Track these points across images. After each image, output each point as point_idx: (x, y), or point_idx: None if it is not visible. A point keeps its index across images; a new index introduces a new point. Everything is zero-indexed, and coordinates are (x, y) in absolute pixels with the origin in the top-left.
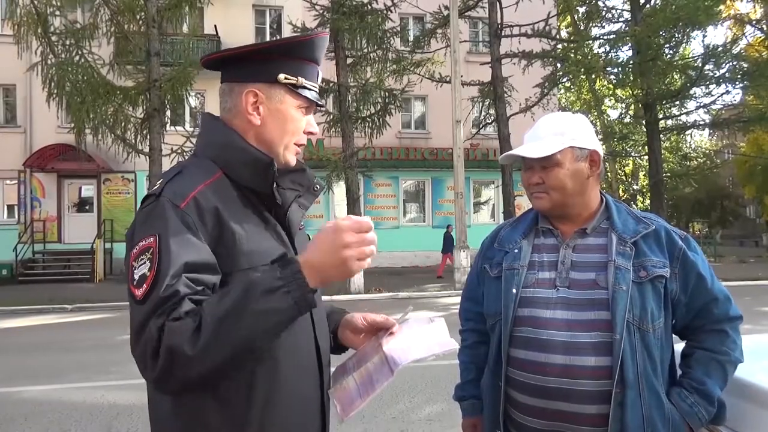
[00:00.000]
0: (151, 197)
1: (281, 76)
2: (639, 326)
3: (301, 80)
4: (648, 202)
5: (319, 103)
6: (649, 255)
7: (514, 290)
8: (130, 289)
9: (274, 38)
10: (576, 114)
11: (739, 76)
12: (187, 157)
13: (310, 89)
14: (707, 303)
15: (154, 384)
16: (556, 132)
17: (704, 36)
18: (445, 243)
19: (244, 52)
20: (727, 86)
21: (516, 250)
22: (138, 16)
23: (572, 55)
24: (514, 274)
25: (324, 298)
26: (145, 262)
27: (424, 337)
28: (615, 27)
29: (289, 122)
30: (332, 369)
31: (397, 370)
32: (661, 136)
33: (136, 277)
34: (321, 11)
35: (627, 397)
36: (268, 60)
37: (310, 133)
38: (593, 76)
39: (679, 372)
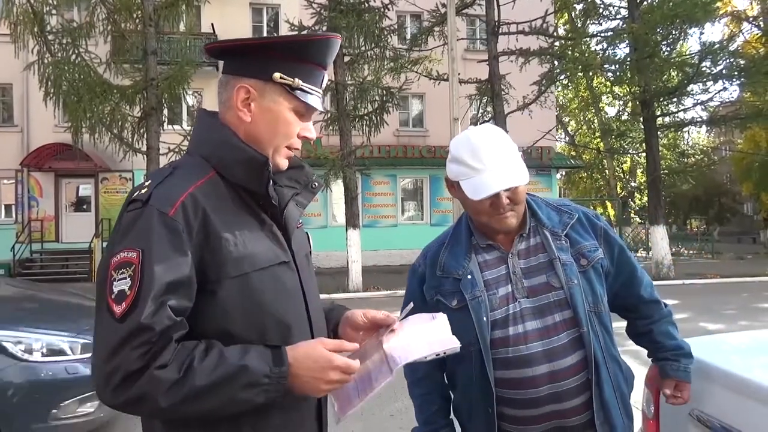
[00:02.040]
0: (138, 203)
1: (276, 75)
2: (595, 311)
3: (298, 82)
4: (645, 198)
5: (318, 108)
6: (582, 242)
7: (485, 318)
8: (107, 301)
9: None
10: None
11: (736, 73)
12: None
13: (309, 93)
14: (632, 271)
15: (106, 403)
16: (515, 151)
17: (701, 33)
18: None
19: (241, 45)
20: (724, 83)
21: (469, 276)
22: (135, 15)
23: (569, 53)
24: (480, 303)
25: (322, 296)
26: (125, 278)
27: (426, 335)
28: (612, 24)
29: (281, 124)
30: None
31: (396, 369)
32: (659, 133)
33: (115, 290)
34: (318, 9)
35: (600, 376)
36: (265, 56)
37: (306, 137)
38: (590, 74)
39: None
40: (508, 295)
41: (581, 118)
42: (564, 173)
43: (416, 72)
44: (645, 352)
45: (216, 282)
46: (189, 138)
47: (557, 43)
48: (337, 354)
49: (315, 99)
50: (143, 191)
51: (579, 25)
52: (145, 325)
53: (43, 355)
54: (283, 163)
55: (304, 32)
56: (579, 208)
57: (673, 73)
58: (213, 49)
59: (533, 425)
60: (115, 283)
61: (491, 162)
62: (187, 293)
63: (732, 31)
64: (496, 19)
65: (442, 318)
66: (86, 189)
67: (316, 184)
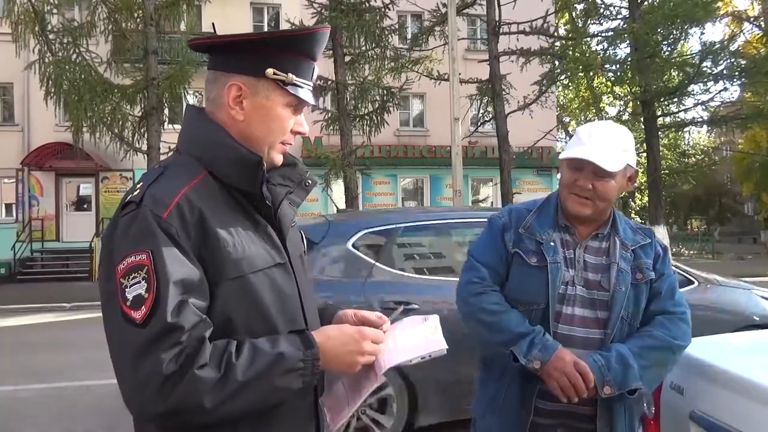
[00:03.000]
0: (132, 204)
1: (269, 71)
2: (630, 322)
3: (291, 77)
4: (646, 199)
5: (311, 102)
6: (644, 259)
7: (558, 282)
8: (121, 310)
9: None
10: (628, 130)
11: (736, 73)
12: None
13: (301, 87)
14: (664, 288)
15: (145, 415)
16: (623, 147)
17: (702, 33)
18: None
19: (231, 41)
20: (725, 83)
21: (552, 243)
22: (135, 14)
23: (570, 53)
24: (558, 268)
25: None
26: (139, 281)
27: (414, 337)
28: (613, 24)
29: (275, 120)
30: None
31: (381, 374)
32: (660, 133)
33: (130, 297)
34: (319, 9)
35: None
36: (257, 52)
37: (299, 132)
38: (591, 74)
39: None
40: (570, 277)
41: (582, 118)
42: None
43: (417, 72)
44: None
45: (215, 284)
46: (179, 136)
47: (558, 43)
48: (368, 332)
49: (307, 93)
50: (136, 193)
51: (580, 25)
52: (172, 324)
53: None
54: (279, 159)
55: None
56: (653, 234)
57: (673, 73)
58: (199, 45)
59: (552, 401)
60: (127, 289)
61: (596, 141)
62: (203, 292)
63: (733, 31)
64: (497, 19)
65: (434, 319)
66: (87, 188)
67: (310, 181)
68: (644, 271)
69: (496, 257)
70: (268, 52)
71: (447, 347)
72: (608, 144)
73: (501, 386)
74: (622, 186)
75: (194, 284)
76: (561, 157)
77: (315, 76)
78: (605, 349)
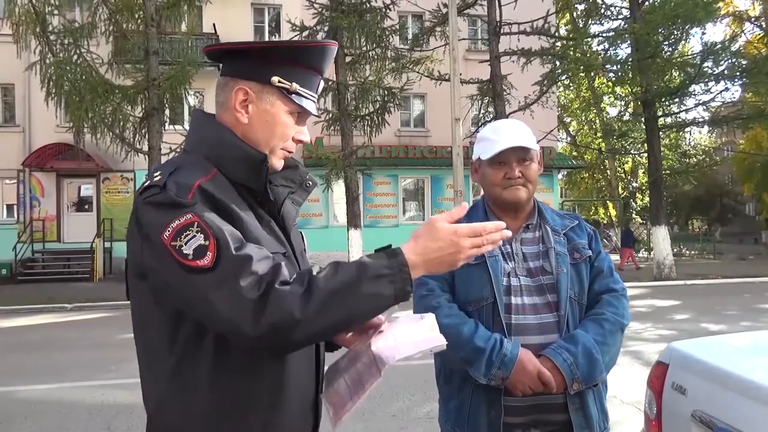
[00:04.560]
0: (155, 188)
1: (275, 79)
2: (579, 300)
3: (295, 86)
4: (647, 199)
5: (314, 113)
6: (577, 240)
7: (500, 275)
8: (185, 266)
9: (275, 38)
10: None
11: (737, 74)
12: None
13: (305, 97)
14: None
15: (252, 342)
16: (528, 135)
17: (703, 33)
18: (624, 238)
19: (241, 49)
20: (726, 83)
21: None
22: (136, 15)
23: (571, 53)
24: (497, 261)
25: None
26: (194, 236)
27: (412, 334)
28: (614, 24)
29: (277, 126)
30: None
31: (384, 369)
32: (661, 133)
33: (190, 251)
34: (320, 9)
35: None
36: (265, 60)
37: (300, 141)
38: (592, 74)
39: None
40: (511, 269)
41: (583, 118)
42: (565, 173)
43: (418, 72)
44: (645, 353)
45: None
46: (186, 138)
47: (559, 44)
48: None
49: (310, 103)
50: (157, 178)
51: (580, 26)
52: (242, 256)
53: None
54: (279, 164)
55: (305, 33)
56: (579, 217)
57: (674, 74)
58: (212, 52)
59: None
60: (183, 247)
61: (508, 133)
62: (247, 245)
63: (734, 31)
64: (498, 19)
65: (430, 318)
66: (88, 189)
67: (311, 183)
68: (581, 250)
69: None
70: (275, 60)
71: (447, 342)
72: (518, 131)
73: (465, 396)
74: (539, 170)
75: (240, 237)
76: (485, 158)
77: (320, 89)
78: (568, 339)
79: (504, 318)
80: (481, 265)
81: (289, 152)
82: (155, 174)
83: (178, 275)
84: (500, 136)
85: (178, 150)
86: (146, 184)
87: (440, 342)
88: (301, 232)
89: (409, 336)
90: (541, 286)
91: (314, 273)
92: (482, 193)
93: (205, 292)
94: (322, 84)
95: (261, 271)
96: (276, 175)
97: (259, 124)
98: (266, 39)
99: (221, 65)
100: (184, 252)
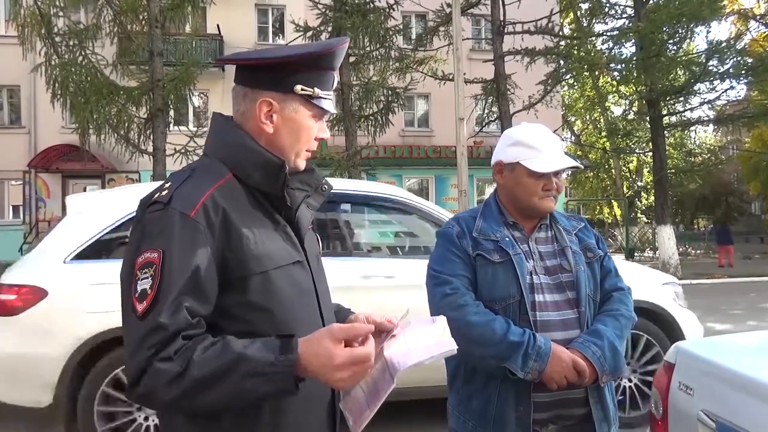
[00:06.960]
0: (159, 204)
1: (298, 87)
2: (593, 298)
3: (317, 91)
4: (652, 198)
5: (333, 111)
6: (588, 240)
7: (525, 271)
8: (131, 299)
9: (279, 38)
10: None
11: (743, 72)
12: (194, 158)
13: (325, 98)
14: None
15: (132, 399)
16: (560, 144)
17: (708, 31)
18: (722, 235)
19: (261, 64)
20: (731, 82)
21: (506, 239)
22: (141, 17)
23: (575, 52)
24: (521, 259)
25: None
26: (147, 277)
27: (424, 338)
28: (618, 23)
29: (303, 131)
30: None
31: (397, 375)
32: (665, 132)
33: (139, 289)
34: (323, 10)
35: None
36: (285, 71)
37: (321, 138)
38: (596, 73)
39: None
40: (532, 267)
41: (587, 117)
42: (570, 173)
43: (421, 72)
44: None
45: (240, 279)
46: (196, 140)
47: (563, 43)
48: (345, 348)
49: (329, 103)
50: (164, 193)
51: (585, 25)
52: (160, 324)
53: None
54: (303, 165)
55: (308, 34)
56: (584, 219)
57: (679, 72)
58: (230, 63)
59: (547, 390)
60: (138, 282)
61: (549, 145)
62: (205, 294)
63: (739, 29)
64: (502, 18)
65: (441, 320)
66: (93, 190)
67: (326, 186)
68: (593, 250)
69: (461, 264)
70: (295, 69)
71: (457, 347)
72: (558, 143)
73: (490, 393)
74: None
75: (198, 287)
76: (533, 168)
77: (335, 84)
78: (592, 334)
79: (531, 315)
80: (506, 263)
81: (312, 150)
82: (165, 185)
83: (126, 299)
84: (544, 146)
85: (183, 151)
86: (154, 198)
87: (451, 347)
88: (317, 236)
89: (421, 341)
90: (561, 284)
91: (201, 347)
92: (488, 191)
93: (129, 335)
94: (336, 78)
95: (164, 342)
96: (293, 178)
97: (285, 131)
98: (270, 40)
99: (237, 73)
100: (137, 287)
